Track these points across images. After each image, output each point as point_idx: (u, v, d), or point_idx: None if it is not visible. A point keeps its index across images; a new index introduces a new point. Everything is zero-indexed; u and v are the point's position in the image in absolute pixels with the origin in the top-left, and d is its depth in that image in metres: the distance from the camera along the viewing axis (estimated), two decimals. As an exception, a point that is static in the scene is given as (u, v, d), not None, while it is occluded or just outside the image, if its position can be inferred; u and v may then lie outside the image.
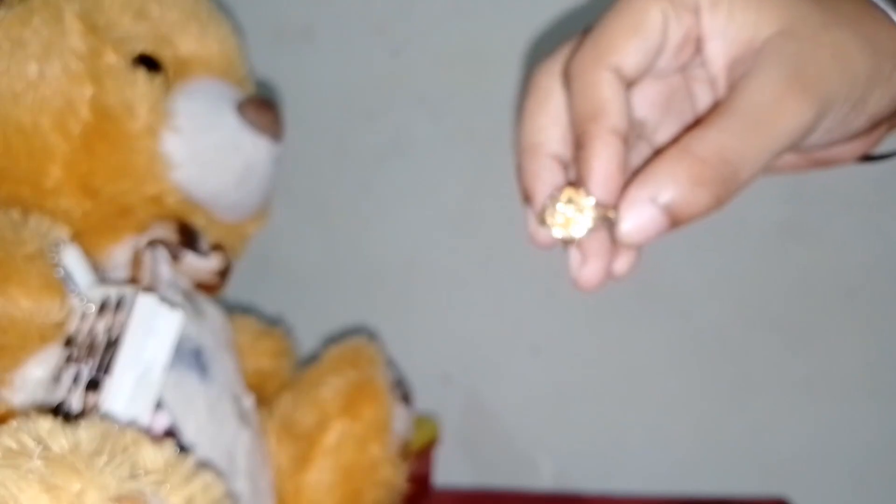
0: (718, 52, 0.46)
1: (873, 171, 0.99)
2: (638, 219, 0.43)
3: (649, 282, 1.07)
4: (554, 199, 0.46)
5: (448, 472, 1.08)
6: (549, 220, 0.46)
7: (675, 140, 0.45)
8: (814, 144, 0.47)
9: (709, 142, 0.42)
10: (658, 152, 0.53)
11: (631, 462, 1.10)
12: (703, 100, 0.52)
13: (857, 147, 0.53)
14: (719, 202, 0.43)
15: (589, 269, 0.49)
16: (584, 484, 1.10)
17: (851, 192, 1.02)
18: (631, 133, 0.47)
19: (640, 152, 0.54)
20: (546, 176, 0.49)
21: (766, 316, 1.06)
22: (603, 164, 0.45)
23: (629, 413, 1.10)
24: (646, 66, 0.47)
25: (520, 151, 0.50)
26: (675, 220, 0.43)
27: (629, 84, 0.47)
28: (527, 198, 0.49)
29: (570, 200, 0.45)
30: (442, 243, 1.11)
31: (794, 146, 0.44)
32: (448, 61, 1.08)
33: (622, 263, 0.51)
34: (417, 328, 1.12)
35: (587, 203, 0.45)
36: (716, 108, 0.45)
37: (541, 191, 0.49)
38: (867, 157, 0.56)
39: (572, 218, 0.45)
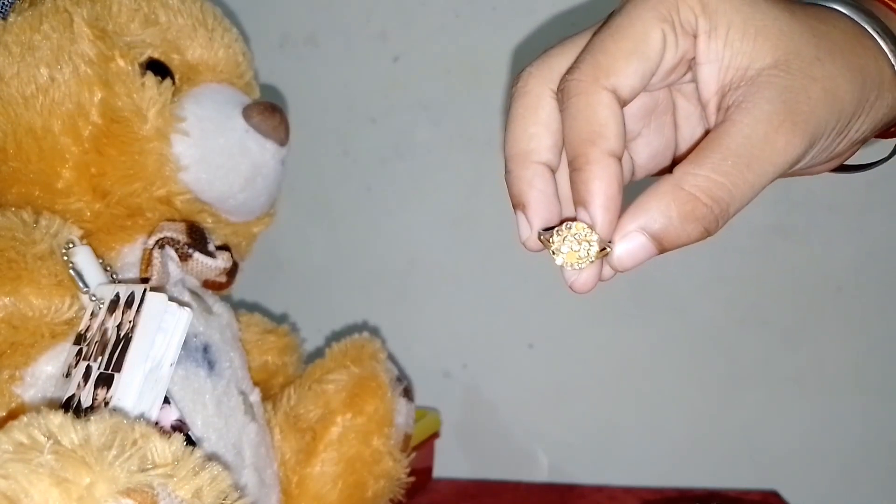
0: (713, 77, 0.47)
1: (857, 175, 1.00)
2: (629, 248, 0.44)
3: (643, 280, 1.07)
4: (561, 233, 0.46)
5: (446, 465, 1.09)
6: (553, 249, 0.47)
7: (669, 170, 0.46)
8: (796, 169, 0.48)
9: (701, 179, 0.43)
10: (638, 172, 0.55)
11: (625, 455, 1.11)
12: (686, 113, 0.53)
13: (832, 163, 0.53)
14: (708, 234, 0.44)
15: (584, 276, 0.49)
16: (579, 476, 1.11)
17: (838, 195, 1.02)
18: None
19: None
20: (538, 184, 0.48)
21: (757, 313, 1.07)
22: (603, 187, 0.45)
23: (623, 407, 1.11)
24: (641, 87, 0.47)
25: (509, 158, 0.50)
26: (663, 249, 0.45)
27: (624, 104, 0.47)
28: (518, 205, 0.49)
29: (575, 236, 0.46)
30: (441, 243, 1.11)
31: (781, 176, 0.45)
32: (447, 68, 1.09)
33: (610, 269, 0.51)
34: (418, 325, 1.13)
35: (593, 240, 0.46)
36: (708, 138, 0.45)
37: (535, 199, 0.48)
38: (842, 167, 0.56)
39: (577, 252, 0.46)
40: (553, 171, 0.49)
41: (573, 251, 0.46)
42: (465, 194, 1.11)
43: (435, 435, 1.07)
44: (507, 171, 0.50)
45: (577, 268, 0.47)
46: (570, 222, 0.46)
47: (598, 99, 0.46)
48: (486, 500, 1.04)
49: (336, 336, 0.96)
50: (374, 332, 1.07)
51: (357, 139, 1.13)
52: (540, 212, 0.48)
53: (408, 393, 0.85)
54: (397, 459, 0.83)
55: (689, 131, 0.55)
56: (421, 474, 0.99)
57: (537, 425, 1.13)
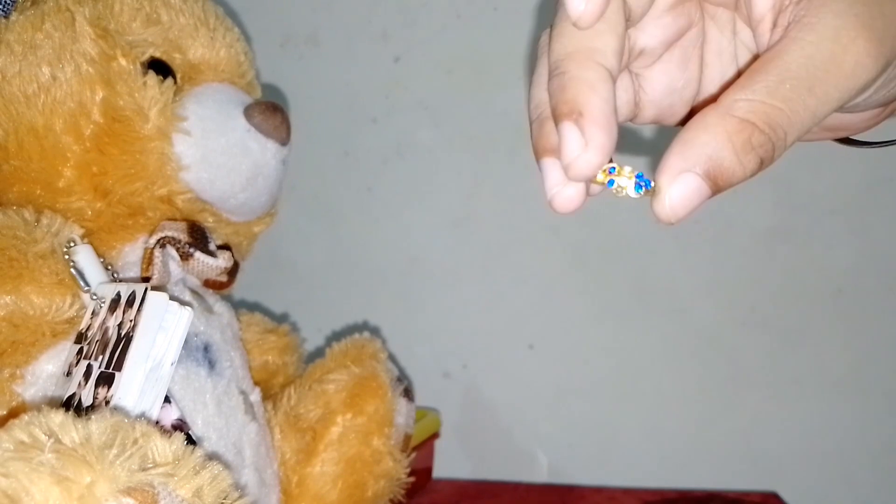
0: None
1: (857, 177, 1.01)
2: (683, 192, 0.37)
3: (643, 281, 1.08)
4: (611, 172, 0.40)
5: (446, 465, 1.09)
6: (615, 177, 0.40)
7: (683, 121, 0.41)
8: (849, 107, 0.41)
9: (756, 105, 0.37)
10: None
11: (624, 456, 1.11)
12: (717, 48, 0.47)
13: (867, 119, 0.48)
14: (763, 167, 0.38)
15: (570, 191, 0.41)
16: (579, 477, 1.11)
17: (838, 197, 1.03)
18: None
19: (623, 85, 0.47)
20: (603, 90, 0.39)
21: (758, 315, 1.07)
22: (597, 100, 0.38)
23: (623, 408, 1.11)
24: None
25: (564, 57, 0.40)
26: (717, 189, 0.38)
27: (630, 14, 0.42)
28: (568, 114, 0.39)
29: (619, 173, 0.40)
30: (442, 244, 1.11)
31: (843, 107, 0.40)
32: (448, 68, 1.09)
33: (596, 187, 0.43)
34: (418, 326, 1.13)
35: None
36: (761, 59, 0.39)
37: (598, 107, 0.39)
38: (861, 143, 0.52)
39: (626, 187, 0.40)
40: (614, 84, 0.40)
41: (621, 186, 0.40)
42: (465, 194, 1.11)
43: (435, 435, 1.07)
44: (557, 74, 0.40)
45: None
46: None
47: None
48: (485, 501, 1.04)
49: (336, 336, 0.96)
50: (375, 332, 1.07)
51: (358, 139, 1.13)
52: (603, 123, 0.39)
53: (408, 393, 0.85)
54: (397, 459, 0.83)
55: (719, 71, 0.48)
56: (421, 474, 0.99)
57: (537, 425, 1.13)
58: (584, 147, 0.38)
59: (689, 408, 1.09)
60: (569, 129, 0.38)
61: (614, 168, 0.40)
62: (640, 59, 0.47)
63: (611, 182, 0.40)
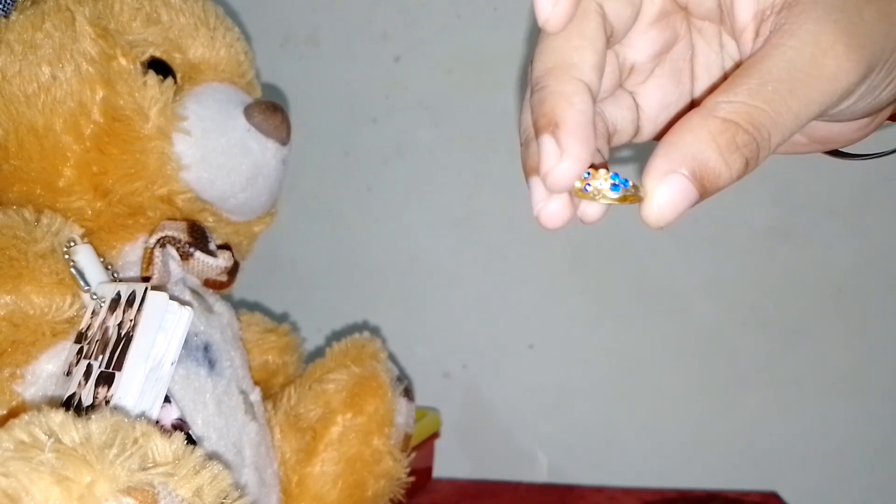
0: (748, 1, 0.42)
1: (857, 177, 1.01)
2: (670, 193, 0.37)
3: (644, 281, 1.07)
4: (585, 179, 0.39)
5: (446, 465, 1.09)
6: (594, 189, 0.40)
7: (697, 104, 0.41)
8: (833, 114, 0.41)
9: (737, 105, 0.38)
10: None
11: (625, 456, 1.11)
12: (706, 61, 0.48)
13: (855, 131, 0.48)
14: (749, 169, 0.38)
15: (555, 206, 0.42)
16: (579, 477, 1.11)
17: (838, 197, 1.02)
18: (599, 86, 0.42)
19: (619, 103, 0.48)
20: (579, 103, 0.40)
21: (758, 315, 1.07)
22: (573, 112, 0.39)
23: (623, 408, 1.11)
24: (632, 11, 0.43)
25: (544, 72, 0.41)
26: (704, 191, 0.38)
27: (612, 33, 0.42)
28: (546, 126, 0.40)
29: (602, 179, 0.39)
30: (442, 244, 1.11)
31: (826, 113, 0.40)
32: (448, 68, 1.09)
33: (594, 208, 0.44)
34: (418, 325, 1.13)
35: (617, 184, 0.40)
36: (743, 66, 0.39)
37: (572, 119, 0.39)
38: (852, 155, 0.53)
39: (602, 189, 0.40)
40: (594, 98, 0.41)
41: (598, 189, 0.40)
42: (465, 194, 1.11)
43: (435, 435, 1.07)
44: (537, 89, 0.41)
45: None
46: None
47: (574, 25, 0.41)
48: (485, 501, 1.04)
49: (336, 336, 0.96)
50: (375, 331, 1.07)
51: (358, 139, 1.13)
52: (579, 133, 0.39)
53: (408, 393, 0.85)
54: (397, 459, 0.83)
55: (709, 85, 0.48)
56: (421, 474, 0.99)
57: (537, 425, 1.13)
58: (559, 157, 0.39)
59: (689, 408, 1.09)
60: (546, 142, 0.39)
61: (588, 173, 0.40)
62: (633, 76, 0.48)
63: (587, 187, 0.40)
